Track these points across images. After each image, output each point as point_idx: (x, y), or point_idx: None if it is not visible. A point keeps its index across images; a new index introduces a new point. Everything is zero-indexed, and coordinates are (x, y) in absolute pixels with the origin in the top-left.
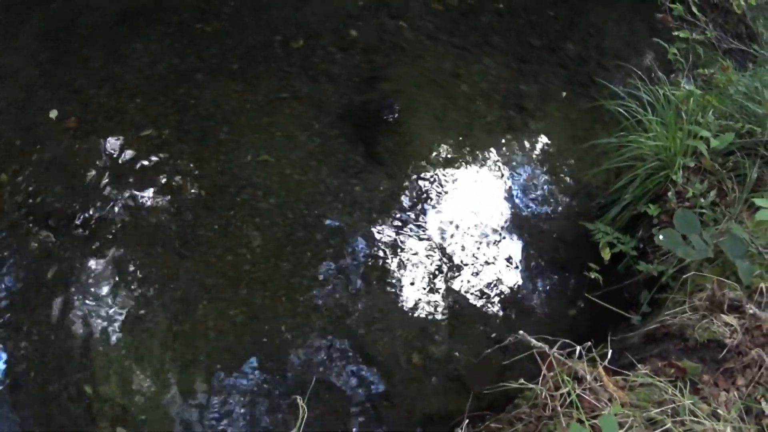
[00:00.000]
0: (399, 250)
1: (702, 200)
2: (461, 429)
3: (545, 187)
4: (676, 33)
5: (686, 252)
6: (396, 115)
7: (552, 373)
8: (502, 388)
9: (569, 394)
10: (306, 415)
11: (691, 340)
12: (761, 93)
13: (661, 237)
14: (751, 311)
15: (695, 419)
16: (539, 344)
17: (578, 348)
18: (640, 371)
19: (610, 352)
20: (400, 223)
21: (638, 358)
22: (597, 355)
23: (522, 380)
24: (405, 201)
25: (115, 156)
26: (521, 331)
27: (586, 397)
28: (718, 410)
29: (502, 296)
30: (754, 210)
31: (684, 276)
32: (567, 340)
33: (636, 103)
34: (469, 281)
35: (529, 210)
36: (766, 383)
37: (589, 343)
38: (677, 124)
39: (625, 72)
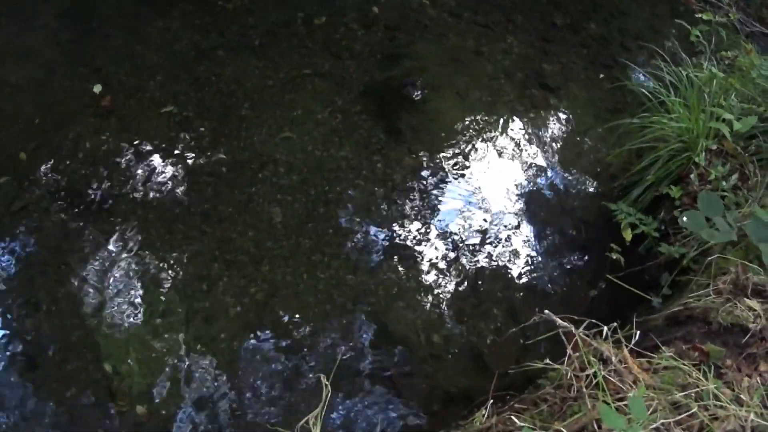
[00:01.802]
0: (420, 228)
1: (724, 183)
2: (485, 409)
3: (567, 166)
4: (699, 15)
5: (710, 234)
6: (419, 92)
7: (577, 354)
8: (523, 368)
9: (595, 375)
10: (330, 394)
11: (715, 324)
12: None
13: (684, 219)
14: None
15: (719, 404)
16: (565, 324)
17: (605, 328)
18: (665, 354)
19: (639, 334)
20: (421, 201)
21: (662, 340)
22: (622, 337)
23: (547, 360)
24: (427, 178)
25: (135, 133)
26: (546, 311)
27: (611, 379)
28: (741, 396)
29: (523, 275)
30: None
31: (707, 259)
32: (593, 320)
33: (659, 84)
34: (489, 260)
35: (550, 189)
36: None
37: (615, 324)
38: (700, 106)
39: (648, 53)
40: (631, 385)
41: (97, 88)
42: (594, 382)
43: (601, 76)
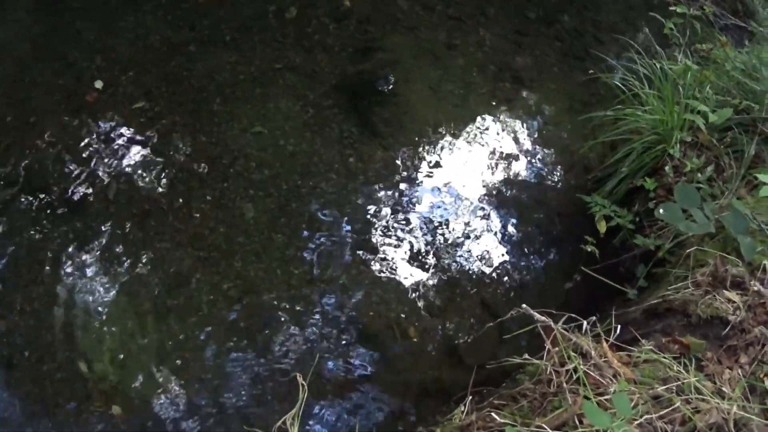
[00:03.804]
0: (394, 222)
1: (699, 175)
2: (464, 405)
3: (541, 159)
4: (673, 8)
5: (688, 226)
6: (391, 85)
7: (557, 348)
8: (501, 363)
9: (575, 370)
10: (306, 394)
11: (694, 316)
12: (759, 69)
13: (661, 211)
14: (754, 288)
15: (700, 397)
16: (543, 318)
17: (584, 323)
18: (645, 347)
19: (619, 327)
20: (395, 194)
21: (640, 333)
22: (602, 331)
23: (526, 355)
24: (400, 172)
25: (107, 129)
26: (524, 305)
27: (591, 374)
28: (723, 388)
29: (498, 269)
30: (751, 186)
31: (685, 251)
32: (572, 314)
33: (632, 76)
34: (464, 253)
35: (524, 182)
36: None
37: (594, 318)
38: (674, 98)
39: (622, 45)
40: (611, 379)
41: (99, 84)
42: (574, 377)
43: (591, 71)
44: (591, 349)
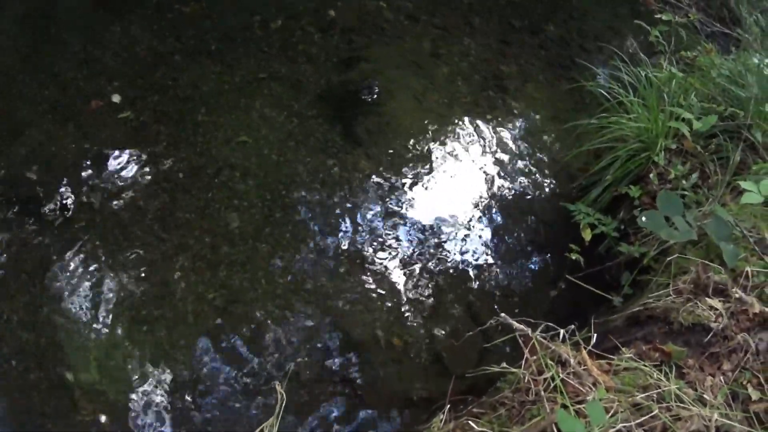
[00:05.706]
0: (378, 231)
1: (684, 182)
2: (443, 414)
3: (525, 167)
4: (658, 16)
5: (670, 234)
6: (375, 95)
7: (535, 357)
8: (482, 371)
9: (553, 378)
10: (285, 401)
11: (676, 324)
12: (744, 76)
13: (643, 219)
14: (736, 295)
15: (681, 405)
16: (521, 327)
17: (561, 331)
18: (625, 355)
19: (600, 335)
20: (378, 204)
21: (622, 341)
22: (581, 339)
23: (504, 364)
24: (384, 181)
25: (92, 139)
26: (503, 314)
27: (570, 382)
28: (704, 395)
29: (483, 277)
30: (736, 193)
31: (667, 258)
32: (550, 323)
33: (617, 84)
34: (449, 262)
35: (509, 191)
36: (752, 368)
37: (573, 327)
38: (659, 105)
39: (607, 54)
40: (590, 387)
41: (116, 98)
42: (552, 385)
43: (593, 82)
44: (570, 357)
